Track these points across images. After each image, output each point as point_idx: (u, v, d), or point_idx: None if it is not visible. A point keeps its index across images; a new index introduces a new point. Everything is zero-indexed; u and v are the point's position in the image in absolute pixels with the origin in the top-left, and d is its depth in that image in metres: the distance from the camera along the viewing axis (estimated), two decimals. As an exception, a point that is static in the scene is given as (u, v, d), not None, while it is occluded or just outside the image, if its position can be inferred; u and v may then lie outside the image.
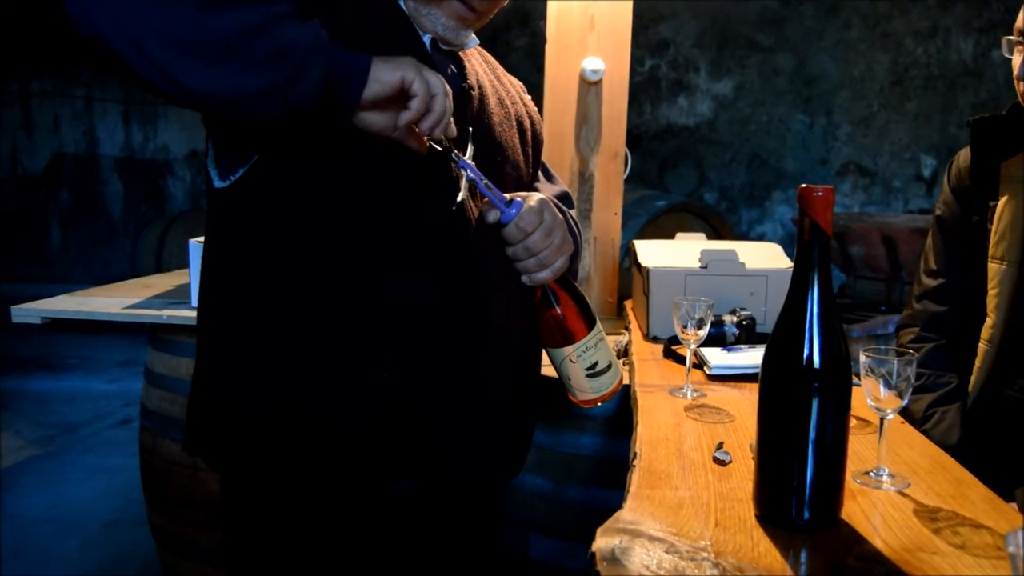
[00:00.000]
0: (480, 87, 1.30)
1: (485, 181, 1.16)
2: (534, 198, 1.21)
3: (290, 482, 1.19)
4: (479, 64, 1.36)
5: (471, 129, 1.22)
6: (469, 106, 1.26)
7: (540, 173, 1.50)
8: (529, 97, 1.49)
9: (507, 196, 1.19)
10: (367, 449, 1.17)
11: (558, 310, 1.24)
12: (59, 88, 8.34)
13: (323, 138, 1.10)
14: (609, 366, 1.28)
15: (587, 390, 1.28)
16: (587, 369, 1.26)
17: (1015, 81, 1.55)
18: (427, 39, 1.23)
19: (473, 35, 1.29)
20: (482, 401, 1.24)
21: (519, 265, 1.20)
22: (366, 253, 1.13)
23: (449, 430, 1.21)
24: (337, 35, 1.12)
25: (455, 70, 1.27)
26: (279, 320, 1.15)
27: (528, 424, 1.41)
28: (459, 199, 1.15)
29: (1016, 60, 1.55)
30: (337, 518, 1.21)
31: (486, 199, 1.18)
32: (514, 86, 1.45)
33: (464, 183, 1.16)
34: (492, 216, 1.20)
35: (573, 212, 1.48)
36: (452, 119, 1.11)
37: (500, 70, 1.44)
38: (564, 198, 1.49)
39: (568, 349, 1.25)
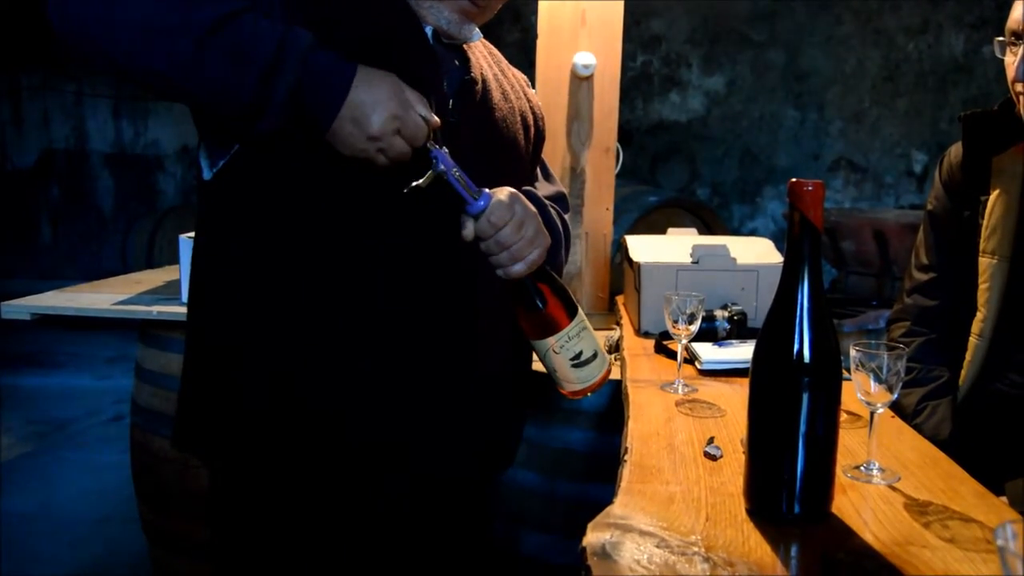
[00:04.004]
0: (483, 81, 1.29)
1: (456, 170, 1.13)
2: (504, 192, 1.19)
3: (280, 478, 1.19)
4: (483, 57, 1.35)
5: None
6: (471, 100, 1.26)
7: (539, 172, 1.49)
8: (532, 91, 1.48)
9: (477, 189, 1.17)
10: (358, 445, 1.17)
11: (537, 302, 1.22)
12: (49, 83, 8.29)
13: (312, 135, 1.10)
14: (595, 355, 1.26)
15: (574, 380, 1.25)
16: (572, 359, 1.23)
17: (1010, 84, 1.55)
18: (429, 31, 1.22)
19: (476, 29, 1.29)
20: (471, 395, 1.24)
21: (492, 259, 1.19)
22: (355, 247, 1.13)
23: (438, 425, 1.21)
24: (339, 29, 1.12)
25: (458, 63, 1.27)
26: (269, 315, 1.14)
27: (518, 418, 1.41)
28: (415, 184, 1.12)
29: (1009, 61, 1.55)
30: (326, 513, 1.21)
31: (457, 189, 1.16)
32: (518, 80, 1.44)
33: (430, 172, 1.13)
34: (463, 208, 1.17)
35: (567, 215, 1.47)
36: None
37: (504, 63, 1.43)
38: (559, 199, 1.48)
39: (551, 340, 1.22)
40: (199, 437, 1.24)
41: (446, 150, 1.14)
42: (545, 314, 1.22)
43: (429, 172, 1.13)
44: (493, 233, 1.16)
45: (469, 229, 1.15)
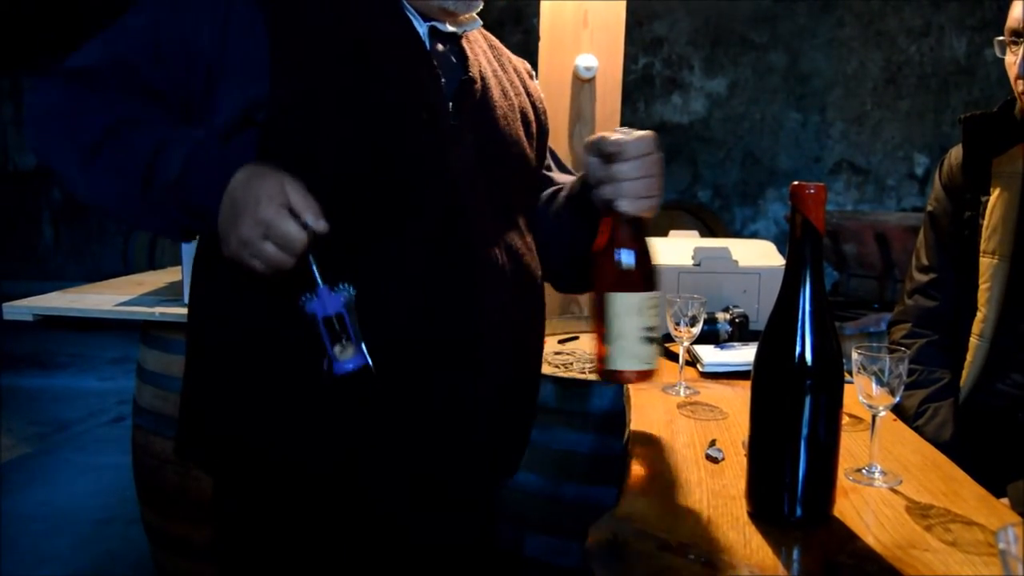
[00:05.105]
0: (483, 79, 1.27)
1: (339, 313, 1.04)
2: (647, 132, 1.13)
3: (280, 484, 1.18)
4: (482, 52, 1.33)
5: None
6: (471, 100, 1.24)
7: (552, 163, 1.46)
8: (535, 83, 1.44)
9: (357, 344, 1.06)
10: (359, 453, 1.16)
11: (640, 249, 1.13)
12: (51, 85, 8.30)
13: (310, 146, 1.10)
14: (657, 340, 1.16)
15: (635, 356, 1.13)
16: (646, 329, 1.12)
17: (1012, 82, 1.56)
18: (424, 30, 1.21)
19: (476, 16, 1.27)
20: (477, 403, 1.22)
21: (625, 186, 1.09)
22: (356, 257, 1.11)
23: (443, 432, 1.20)
24: (331, 38, 1.11)
25: (456, 60, 1.25)
26: (267, 318, 1.14)
27: (525, 424, 1.39)
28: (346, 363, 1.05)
29: (1010, 61, 1.55)
30: (328, 517, 1.20)
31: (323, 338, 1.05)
32: (518, 72, 1.41)
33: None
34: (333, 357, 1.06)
35: None
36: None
37: (505, 55, 1.41)
38: None
39: (638, 297, 1.11)
40: (199, 445, 1.23)
41: (347, 290, 1.05)
42: (643, 266, 1.14)
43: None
44: (637, 155, 1.09)
45: (612, 142, 1.08)
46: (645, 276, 1.14)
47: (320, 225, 1.00)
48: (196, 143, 1.06)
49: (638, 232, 1.15)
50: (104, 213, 1.20)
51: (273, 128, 1.11)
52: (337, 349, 1.05)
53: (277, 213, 0.98)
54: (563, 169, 1.49)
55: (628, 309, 1.12)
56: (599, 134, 1.12)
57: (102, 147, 1.08)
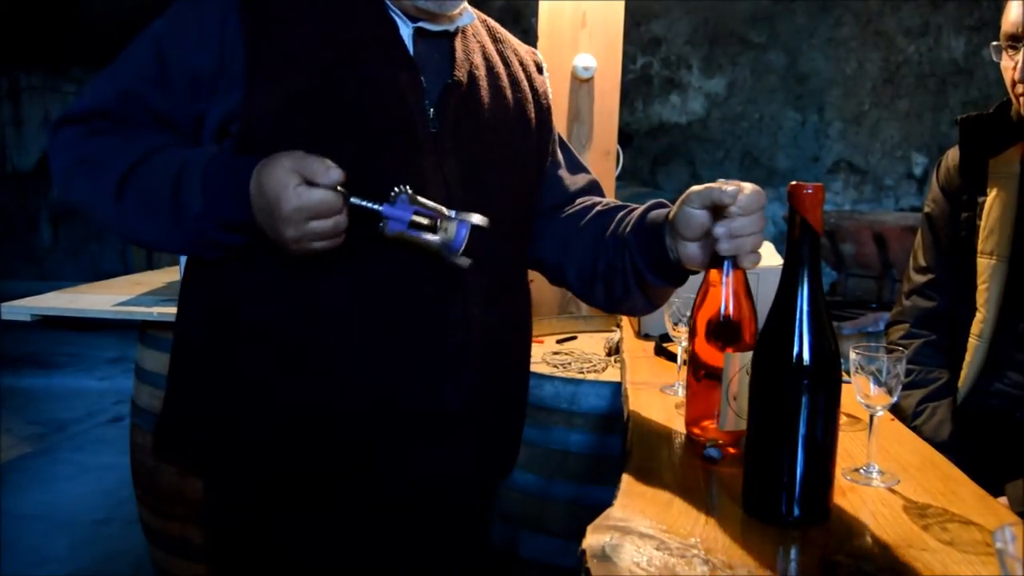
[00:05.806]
0: (472, 79, 1.23)
1: (413, 215, 1.05)
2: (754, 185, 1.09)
3: (270, 485, 1.17)
4: (479, 49, 1.27)
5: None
6: (454, 104, 1.20)
7: (563, 160, 1.40)
8: (543, 77, 1.38)
9: (451, 215, 1.07)
10: (347, 468, 1.15)
11: (753, 304, 1.11)
12: (49, 84, 8.30)
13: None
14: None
15: (743, 415, 1.06)
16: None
17: (1010, 86, 1.56)
18: (410, 31, 1.18)
19: (469, 10, 1.24)
20: (456, 409, 1.20)
21: (743, 242, 1.05)
22: (332, 261, 1.09)
23: (431, 441, 1.18)
24: (310, 47, 1.11)
25: (445, 62, 1.21)
26: (254, 329, 1.13)
27: (514, 430, 1.37)
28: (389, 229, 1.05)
29: (1007, 65, 1.55)
30: (319, 520, 1.19)
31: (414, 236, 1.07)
32: (524, 66, 1.35)
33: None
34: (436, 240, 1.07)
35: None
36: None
37: (512, 48, 1.35)
38: (594, 188, 1.40)
39: (749, 356, 1.05)
40: (184, 442, 1.22)
41: (403, 191, 1.05)
42: (755, 321, 1.11)
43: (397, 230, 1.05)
44: (755, 211, 1.05)
45: (730, 193, 1.04)
46: (754, 330, 1.12)
47: (337, 173, 1.01)
48: (203, 171, 1.06)
49: (748, 286, 1.14)
50: (153, 247, 1.24)
51: (246, 139, 1.10)
52: (440, 235, 1.07)
53: (297, 194, 0.99)
54: (575, 169, 1.41)
55: (742, 368, 1.09)
56: (705, 187, 1.07)
57: (126, 192, 1.10)
